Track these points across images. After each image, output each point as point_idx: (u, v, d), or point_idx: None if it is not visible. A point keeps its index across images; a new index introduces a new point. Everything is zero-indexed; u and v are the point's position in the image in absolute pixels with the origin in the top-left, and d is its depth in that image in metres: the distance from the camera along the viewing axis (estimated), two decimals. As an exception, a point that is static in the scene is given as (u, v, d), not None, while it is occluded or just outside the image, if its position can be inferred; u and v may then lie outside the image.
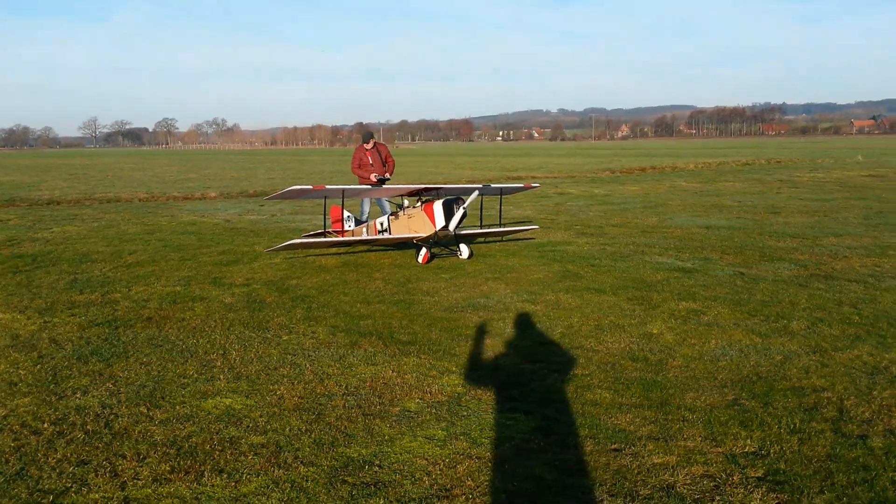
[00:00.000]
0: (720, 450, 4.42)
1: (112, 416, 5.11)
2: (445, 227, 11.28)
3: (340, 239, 11.90)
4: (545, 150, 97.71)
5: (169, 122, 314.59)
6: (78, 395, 5.56)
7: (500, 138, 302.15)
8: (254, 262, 11.60)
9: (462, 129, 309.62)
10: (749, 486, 3.95)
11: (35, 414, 5.18)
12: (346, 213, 13.13)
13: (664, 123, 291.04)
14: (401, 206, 12.29)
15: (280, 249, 11.45)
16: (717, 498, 3.85)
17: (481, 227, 13.04)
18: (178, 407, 5.29)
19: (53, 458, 4.45)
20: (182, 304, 8.67)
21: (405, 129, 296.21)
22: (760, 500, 3.82)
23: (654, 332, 7.11)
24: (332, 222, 13.37)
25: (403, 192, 12.41)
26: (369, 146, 13.90)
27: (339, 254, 12.27)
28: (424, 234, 11.50)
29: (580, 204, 21.21)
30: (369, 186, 12.67)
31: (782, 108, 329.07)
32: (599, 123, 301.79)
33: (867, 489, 3.89)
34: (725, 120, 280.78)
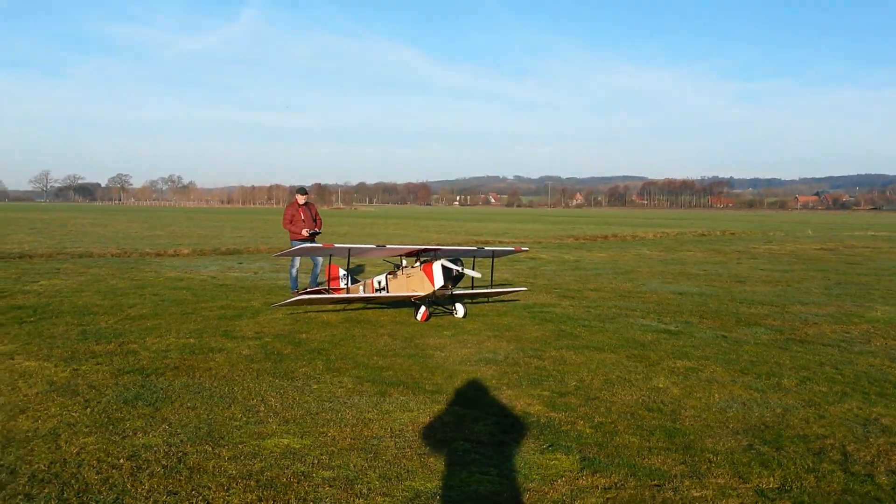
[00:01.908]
0: (748, 486, 4.96)
1: (181, 454, 5.46)
2: (444, 287, 11.78)
3: (342, 296, 12.33)
4: (505, 216, 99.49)
5: (123, 177, 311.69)
6: (139, 435, 5.89)
7: (457, 202, 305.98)
8: (257, 316, 11.95)
9: (420, 193, 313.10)
10: (781, 516, 4.50)
11: (106, 451, 5.50)
12: (341, 272, 13.63)
13: (617, 193, 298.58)
14: (398, 266, 12.80)
15: (287, 304, 11.83)
16: (756, 525, 4.38)
17: (472, 287, 13.62)
18: (239, 446, 5.66)
19: (142, 490, 4.79)
20: (202, 354, 8.99)
21: (363, 191, 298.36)
22: (794, 526, 4.36)
23: (661, 386, 7.69)
24: (328, 280, 13.94)
25: (403, 253, 12.94)
26: (301, 202, 15.28)
27: (337, 310, 12.69)
28: (423, 294, 11.98)
29: (554, 269, 21.95)
30: (373, 246, 13.24)
31: (730, 182, 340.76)
32: (555, 191, 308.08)
33: (884, 517, 4.47)
34: (676, 192, 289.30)
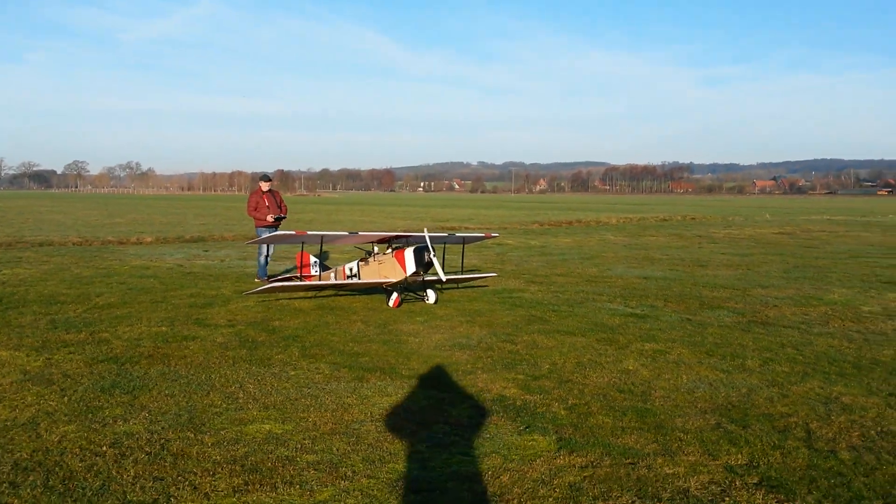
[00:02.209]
0: (718, 462, 5.17)
1: (164, 441, 5.50)
2: (416, 273, 11.89)
3: (314, 283, 12.36)
4: (469, 202, 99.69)
5: (79, 164, 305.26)
6: (119, 423, 5.91)
7: (421, 189, 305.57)
8: (228, 304, 11.93)
9: (384, 179, 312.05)
10: (751, 490, 4.71)
11: (88, 439, 5.52)
12: (312, 259, 13.66)
13: (580, 179, 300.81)
14: (369, 253, 12.88)
15: (259, 292, 11.83)
16: (727, 499, 4.58)
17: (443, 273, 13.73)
18: (221, 432, 5.72)
19: (128, 476, 4.84)
20: (175, 343, 8.99)
21: (326, 178, 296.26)
22: (762, 499, 4.57)
23: (631, 368, 7.90)
24: (299, 267, 13.96)
25: (374, 240, 13.02)
26: (265, 189, 15.34)
27: (308, 297, 12.72)
28: (394, 280, 12.07)
29: (520, 254, 22.18)
30: (346, 233, 13.28)
31: (690, 168, 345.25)
32: (519, 177, 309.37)
33: (846, 490, 4.70)
34: (637, 177, 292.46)
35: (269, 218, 15.13)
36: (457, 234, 13.71)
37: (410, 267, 11.88)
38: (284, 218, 15.71)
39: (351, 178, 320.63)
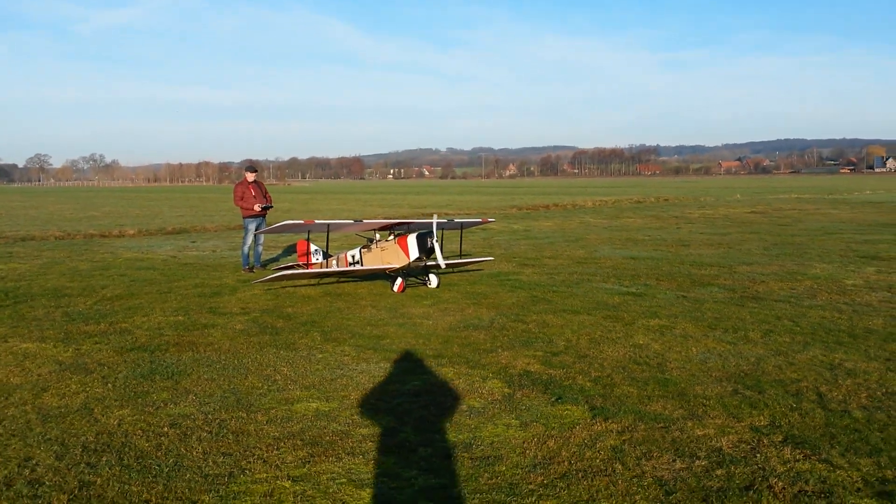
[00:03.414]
0: (743, 424, 5.58)
1: (220, 420, 5.78)
2: (419, 259, 12.20)
3: (319, 270, 12.60)
4: (443, 188, 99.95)
5: (42, 157, 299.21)
6: (170, 406, 6.17)
7: (391, 176, 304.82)
8: (236, 293, 12.15)
9: (353, 167, 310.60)
10: (778, 447, 5.12)
11: (146, 421, 5.78)
12: (313, 247, 13.89)
13: (549, 163, 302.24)
14: (371, 240, 13.14)
15: (268, 281, 12.06)
16: (758, 455, 4.99)
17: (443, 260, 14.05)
18: (271, 411, 6.01)
19: (197, 453, 5.11)
20: (196, 331, 9.21)
21: (295, 167, 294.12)
22: (790, 454, 4.98)
23: (642, 342, 8.31)
24: (299, 255, 14.19)
25: (376, 227, 13.29)
26: (251, 179, 15.59)
27: (312, 284, 12.97)
28: (398, 266, 12.36)
29: (507, 238, 22.55)
30: (351, 221, 13.52)
31: (657, 150, 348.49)
32: (488, 162, 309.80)
33: (865, 444, 5.13)
34: (606, 160, 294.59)
35: (257, 207, 15.32)
36: (455, 220, 14.00)
37: (414, 253, 12.16)
38: (271, 207, 15.92)
39: (320, 167, 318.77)
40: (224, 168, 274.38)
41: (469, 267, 14.95)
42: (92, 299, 11.61)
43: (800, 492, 4.41)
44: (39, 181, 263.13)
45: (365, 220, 13.49)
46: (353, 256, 13.18)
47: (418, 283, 12.87)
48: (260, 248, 15.58)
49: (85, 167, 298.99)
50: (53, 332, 9.14)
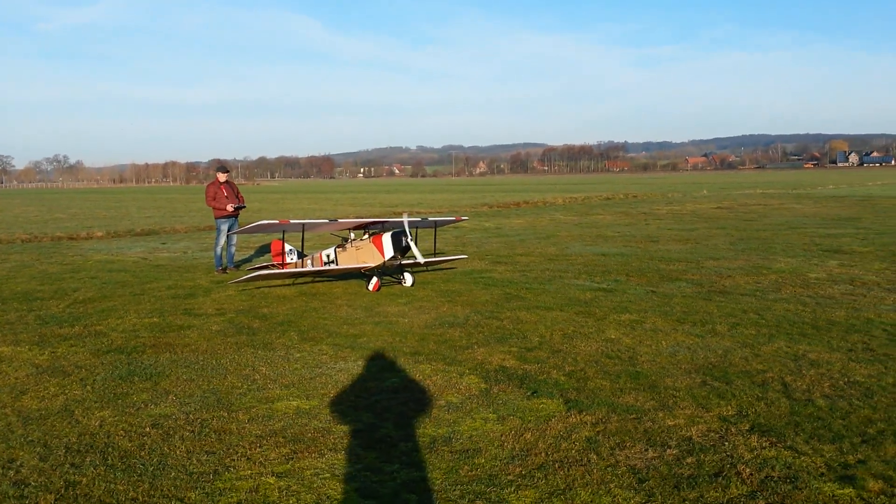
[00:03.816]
0: (712, 414, 5.79)
1: (201, 420, 5.85)
2: (394, 258, 12.31)
3: (294, 270, 12.65)
4: (413, 187, 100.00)
5: (3, 159, 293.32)
6: (151, 407, 6.23)
7: (361, 175, 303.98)
8: (210, 294, 12.16)
9: (323, 166, 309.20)
10: (745, 435, 5.32)
11: (127, 422, 5.83)
12: (288, 247, 13.94)
13: (519, 160, 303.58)
14: (346, 239, 13.23)
15: (243, 281, 12.10)
16: (726, 443, 5.19)
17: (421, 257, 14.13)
18: (252, 410, 6.09)
19: (181, 452, 5.19)
20: (172, 332, 9.24)
21: (264, 166, 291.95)
22: (756, 442, 5.19)
23: (613, 337, 8.51)
24: (273, 255, 14.22)
25: (352, 226, 13.36)
26: (223, 179, 15.63)
27: (286, 285, 13.01)
28: (373, 265, 12.46)
29: (478, 236, 22.72)
30: (326, 221, 13.58)
31: (625, 146, 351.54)
32: (459, 160, 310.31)
33: (828, 431, 5.36)
34: (575, 157, 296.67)
35: (229, 207, 15.33)
36: (429, 219, 14.13)
37: (388, 251, 12.26)
38: (244, 207, 15.93)
39: (289, 166, 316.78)
40: (191, 168, 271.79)
41: (442, 265, 15.09)
42: (64, 302, 11.55)
43: (766, 477, 4.61)
44: (2, 183, 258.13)
45: (340, 220, 13.57)
46: (328, 256, 13.24)
47: (393, 281, 12.96)
48: (233, 249, 15.58)
49: (48, 168, 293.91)
50: (27, 336, 9.11)
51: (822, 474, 4.64)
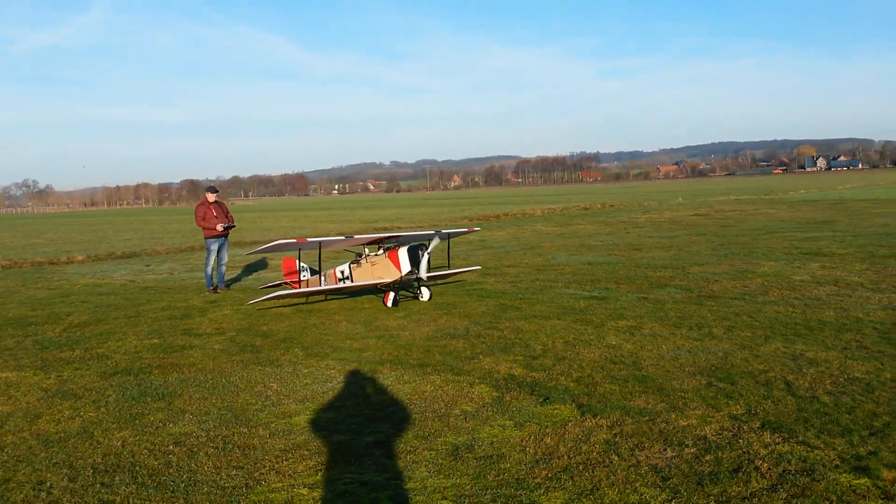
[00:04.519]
0: (722, 413, 5.96)
1: (223, 437, 5.92)
2: (410, 272, 12.14)
3: (312, 289, 12.44)
4: (390, 202, 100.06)
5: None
6: (170, 425, 6.28)
7: (336, 191, 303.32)
8: (206, 314, 12.18)
9: (297, 184, 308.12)
10: (757, 432, 5.50)
11: (150, 441, 5.88)
12: (301, 265, 13.71)
13: (493, 173, 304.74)
14: (360, 255, 13.07)
15: (262, 301, 12.13)
16: (741, 440, 5.36)
17: (428, 269, 13.30)
18: (271, 425, 6.17)
19: (209, 467, 5.26)
20: (175, 352, 9.27)
21: (237, 185, 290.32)
22: (770, 438, 5.37)
23: (614, 343, 8.68)
24: (285, 273, 14.21)
25: (365, 242, 13.19)
26: (212, 200, 15.72)
27: (295, 304, 13.00)
28: (389, 280, 12.30)
29: (464, 249, 22.86)
30: (342, 238, 13.21)
31: (597, 157, 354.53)
32: (433, 174, 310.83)
33: (836, 425, 5.56)
34: (548, 168, 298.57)
35: (219, 227, 15.36)
36: (442, 231, 13.66)
37: (405, 266, 12.09)
38: (233, 227, 15.97)
39: (263, 185, 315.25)
40: (164, 189, 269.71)
41: (438, 279, 15.16)
42: (60, 326, 11.51)
43: (784, 471, 4.78)
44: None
45: (356, 236, 13.32)
46: (342, 272, 13.06)
47: (409, 296, 12.87)
48: (223, 269, 15.58)
49: (18, 193, 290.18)
50: (29, 361, 9.09)
51: (837, 466, 4.82)
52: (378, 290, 12.83)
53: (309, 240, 12.37)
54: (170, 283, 16.89)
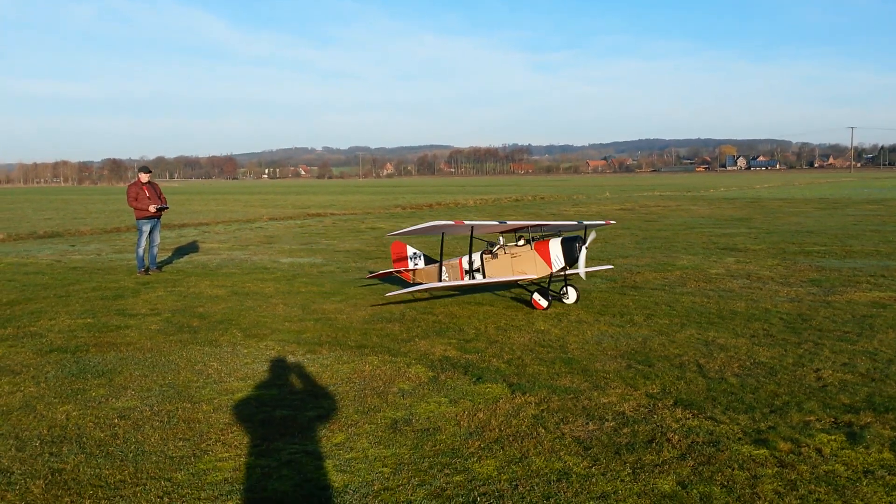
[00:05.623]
0: (640, 392, 6.47)
1: (168, 411, 6.11)
2: (564, 268, 10.51)
3: (449, 284, 10.95)
4: (322, 188, 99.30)
5: None
6: (112, 401, 6.43)
7: (266, 176, 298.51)
8: (138, 295, 12.17)
9: (225, 167, 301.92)
10: (670, 409, 6.02)
11: (94, 415, 6.03)
12: (412, 251, 12.74)
13: (426, 162, 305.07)
14: (492, 244, 11.24)
15: (400, 294, 10.96)
16: (655, 416, 5.86)
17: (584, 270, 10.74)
18: (215, 401, 6.38)
19: (155, 439, 5.46)
20: (111, 332, 9.32)
21: (162, 166, 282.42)
22: (681, 414, 5.88)
23: (543, 328, 9.16)
24: (394, 260, 12.91)
25: (510, 229, 11.38)
26: (144, 180, 15.57)
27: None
28: (534, 276, 10.61)
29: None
30: (496, 222, 11.57)
31: (529, 149, 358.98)
32: (366, 162, 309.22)
33: (741, 403, 6.12)
34: (481, 159, 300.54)
35: (152, 208, 15.22)
36: (583, 223, 11.60)
37: (558, 262, 10.44)
38: (167, 208, 15.84)
39: (189, 167, 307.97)
40: (84, 168, 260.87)
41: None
42: (-13, 305, 11.33)
43: (693, 442, 5.29)
44: None
45: (508, 222, 11.45)
46: (472, 264, 11.16)
47: (553, 297, 10.83)
48: (155, 250, 15.47)
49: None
50: (-41, 338, 9.00)
51: (740, 438, 5.35)
52: (507, 286, 11.50)
53: (466, 223, 10.72)
54: (98, 264, 16.67)
